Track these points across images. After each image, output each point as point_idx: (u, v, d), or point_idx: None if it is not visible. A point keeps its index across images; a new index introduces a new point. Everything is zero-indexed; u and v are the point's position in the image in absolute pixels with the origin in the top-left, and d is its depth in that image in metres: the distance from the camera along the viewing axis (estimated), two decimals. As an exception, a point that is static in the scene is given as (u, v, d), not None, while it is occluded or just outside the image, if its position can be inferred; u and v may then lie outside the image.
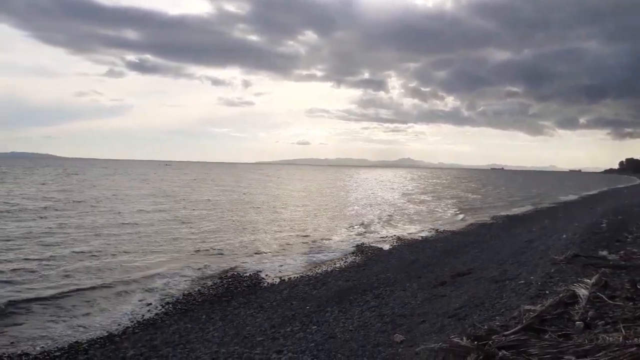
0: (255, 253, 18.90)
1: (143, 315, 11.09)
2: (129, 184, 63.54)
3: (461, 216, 34.43)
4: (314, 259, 18.15)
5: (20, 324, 10.31)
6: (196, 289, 13.33)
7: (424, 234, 24.92)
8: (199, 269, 15.82)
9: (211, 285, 13.76)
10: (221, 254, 18.49)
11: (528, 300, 7.11)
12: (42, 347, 9.13)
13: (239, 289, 13.39)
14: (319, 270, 15.84)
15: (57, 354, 8.75)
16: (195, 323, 10.27)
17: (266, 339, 8.61)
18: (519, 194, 62.92)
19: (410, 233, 25.51)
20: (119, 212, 29.53)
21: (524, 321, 5.63)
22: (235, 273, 15.24)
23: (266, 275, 15.10)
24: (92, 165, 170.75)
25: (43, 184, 55.86)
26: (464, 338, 5.14)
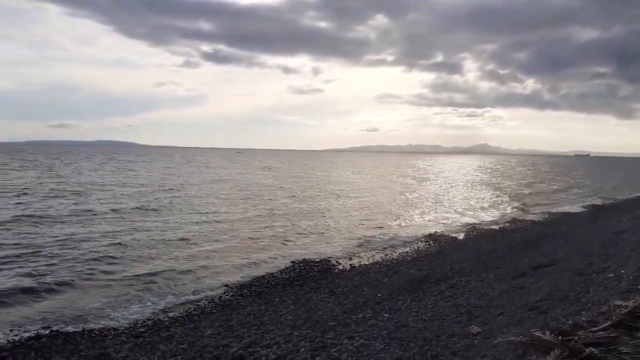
0: (327, 239, 19.05)
1: (220, 297, 11.53)
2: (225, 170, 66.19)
3: (542, 205, 32.71)
4: (386, 246, 17.99)
5: (110, 300, 11.08)
6: (269, 273, 13.66)
7: (501, 224, 23.94)
8: (271, 253, 16.23)
9: (283, 269, 14.05)
10: (292, 239, 18.83)
11: (618, 295, 6.60)
12: (129, 323, 9.74)
13: (310, 273, 13.55)
14: (391, 258, 15.68)
15: (142, 329, 9.30)
16: (268, 305, 10.52)
17: (338, 325, 8.64)
18: (606, 182, 58.76)
19: (487, 222, 24.60)
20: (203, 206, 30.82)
21: (614, 317, 5.20)
22: (307, 258, 15.44)
23: (336, 261, 15.16)
24: (174, 153, 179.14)
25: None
26: (547, 332, 4.84)
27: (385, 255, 16.30)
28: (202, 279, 13.13)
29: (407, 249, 17.29)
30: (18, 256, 14.21)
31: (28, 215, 21.09)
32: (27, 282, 11.92)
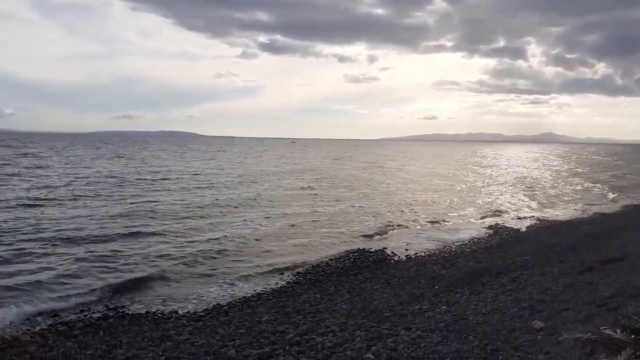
0: (382, 229, 18.90)
1: (276, 283, 11.72)
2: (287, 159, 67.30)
3: (613, 196, 30.89)
4: (443, 237, 17.63)
5: (171, 285, 11.54)
6: (325, 261, 13.74)
7: (567, 216, 22.85)
8: (327, 241, 16.31)
9: (338, 258, 14.08)
10: (348, 228, 18.82)
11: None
12: (190, 307, 10.09)
13: (365, 263, 13.49)
14: (449, 250, 15.33)
15: (202, 313, 9.61)
16: (324, 294, 10.56)
17: (394, 315, 8.54)
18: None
19: (552, 214, 23.55)
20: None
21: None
22: (362, 248, 15.39)
23: (392, 252, 15.00)
24: (234, 143, 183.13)
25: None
26: (618, 330, 4.56)
27: (443, 246, 15.97)
28: (259, 266, 13.39)
29: (466, 241, 16.84)
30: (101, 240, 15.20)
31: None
32: (96, 265, 12.65)
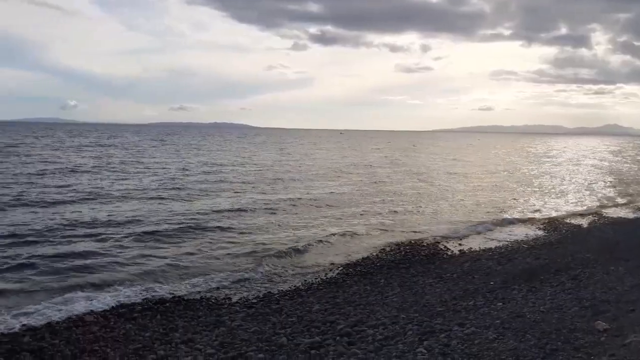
0: (436, 222, 18.59)
1: (326, 274, 11.74)
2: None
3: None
4: (499, 232, 17.14)
5: (225, 271, 11.82)
6: (375, 254, 13.64)
7: (635, 213, 21.59)
8: (378, 234, 16.20)
9: (389, 251, 13.94)
10: (400, 220, 18.62)
11: None
12: (242, 293, 10.30)
13: (417, 257, 13.28)
14: (505, 245, 14.84)
15: (254, 300, 9.77)
16: (374, 286, 10.48)
17: (447, 310, 8.36)
18: None
19: (616, 210, 22.35)
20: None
21: None
22: (414, 241, 15.19)
23: (445, 246, 14.70)
24: (286, 134, 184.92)
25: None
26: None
27: (499, 241, 15.47)
28: (308, 256, 13.51)
29: (524, 236, 16.26)
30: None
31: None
32: (153, 250, 13.19)
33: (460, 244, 15.06)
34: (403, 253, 13.69)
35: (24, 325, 8.27)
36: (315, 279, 11.38)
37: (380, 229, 16.99)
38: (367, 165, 45.69)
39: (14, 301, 9.41)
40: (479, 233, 16.94)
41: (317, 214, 19.60)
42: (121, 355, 6.91)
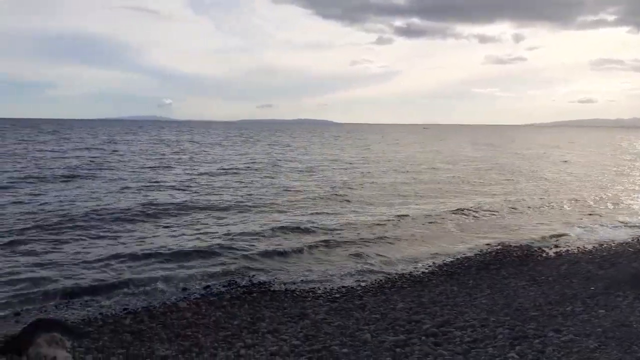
0: (530, 221, 17.62)
1: (410, 272, 11.53)
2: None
3: None
4: (600, 234, 15.84)
5: (310, 264, 12.02)
6: (463, 253, 13.18)
7: None
8: (465, 233, 15.68)
9: (478, 251, 13.40)
10: (491, 218, 17.90)
11: None
12: (325, 287, 10.39)
13: (508, 258, 12.64)
14: (607, 248, 13.70)
15: (337, 295, 9.82)
16: (461, 287, 10.11)
17: (541, 315, 7.84)
18: None
19: None
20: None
21: None
22: (505, 241, 14.46)
23: (539, 247, 13.86)
24: (364, 130, 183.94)
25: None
26: None
27: (600, 244, 14.30)
28: (393, 252, 13.34)
29: (629, 239, 14.93)
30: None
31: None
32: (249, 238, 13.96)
33: (556, 245, 14.13)
34: (493, 254, 13.09)
35: (124, 309, 8.93)
36: (400, 277, 11.20)
37: (469, 228, 16.42)
38: (460, 161, 44.08)
39: (116, 287, 10.16)
40: (577, 234, 15.79)
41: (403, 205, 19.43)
42: (212, 341, 7.22)
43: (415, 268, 11.92)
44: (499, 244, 14.08)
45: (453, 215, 18.42)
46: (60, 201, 18.62)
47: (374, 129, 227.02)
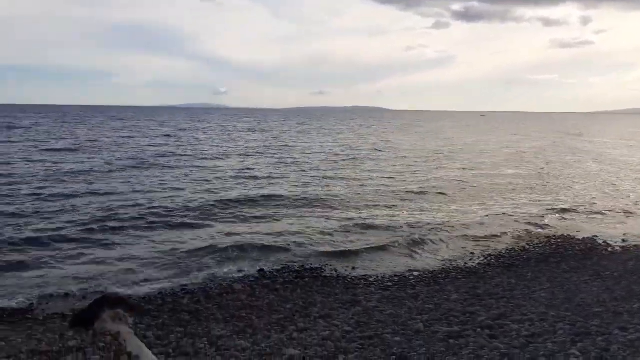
0: (592, 214, 16.77)
1: (465, 263, 11.28)
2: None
3: None
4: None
5: (360, 249, 12.06)
6: (521, 245, 12.75)
7: None
8: (526, 224, 15.12)
9: (537, 243, 12.93)
10: (555, 211, 17.18)
11: None
12: (377, 276, 10.33)
13: (570, 252, 12.10)
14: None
15: (389, 283, 9.77)
16: (519, 280, 9.79)
17: (605, 312, 7.46)
18: None
19: None
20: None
21: None
22: (566, 234, 13.84)
23: (604, 241, 13.15)
24: (424, 117, 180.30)
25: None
26: None
27: (673, 239, 13.44)
28: (446, 242, 13.11)
29: None
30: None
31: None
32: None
33: (623, 240, 13.37)
34: (554, 246, 12.57)
35: (183, 289, 9.26)
36: (454, 267, 10.98)
37: (529, 219, 15.83)
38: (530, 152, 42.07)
39: (174, 268, 10.54)
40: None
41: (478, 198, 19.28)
42: (265, 323, 7.36)
43: (471, 259, 11.65)
44: (560, 237, 13.50)
45: (514, 207, 17.87)
46: (139, 189, 19.12)
47: (432, 116, 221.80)
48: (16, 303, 8.50)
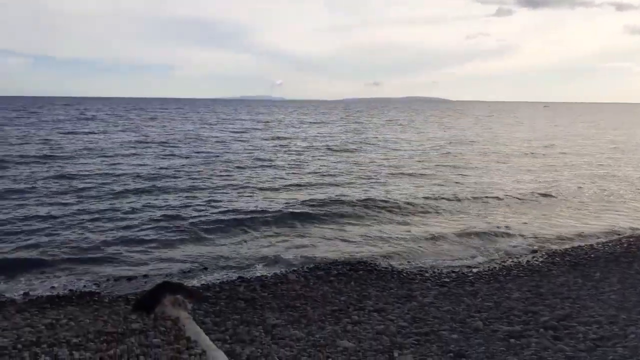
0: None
1: (528, 261, 10.83)
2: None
3: None
4: None
5: (411, 247, 11.84)
6: (589, 244, 12.09)
7: None
8: (596, 221, 14.38)
9: (606, 242, 12.24)
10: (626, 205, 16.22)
11: None
12: (433, 272, 10.12)
13: (644, 252, 11.35)
14: None
15: (446, 279, 9.51)
16: (586, 279, 9.26)
17: (684, 317, 6.94)
18: None
19: None
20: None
21: None
22: (638, 234, 13.00)
23: (684, 242, 12.26)
24: (477, 108, 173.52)
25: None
26: None
27: None
28: (509, 238, 12.65)
29: None
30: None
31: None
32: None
33: None
34: (625, 245, 11.84)
35: (239, 277, 9.44)
36: (515, 265, 10.55)
37: (598, 217, 15.01)
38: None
39: (231, 259, 10.73)
40: None
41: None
42: (319, 314, 7.37)
43: (534, 257, 11.16)
44: (631, 235, 12.70)
45: (579, 207, 16.96)
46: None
47: (496, 107, 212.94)
48: (84, 285, 8.99)
